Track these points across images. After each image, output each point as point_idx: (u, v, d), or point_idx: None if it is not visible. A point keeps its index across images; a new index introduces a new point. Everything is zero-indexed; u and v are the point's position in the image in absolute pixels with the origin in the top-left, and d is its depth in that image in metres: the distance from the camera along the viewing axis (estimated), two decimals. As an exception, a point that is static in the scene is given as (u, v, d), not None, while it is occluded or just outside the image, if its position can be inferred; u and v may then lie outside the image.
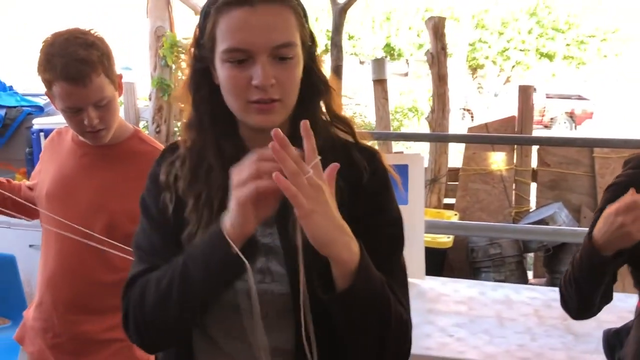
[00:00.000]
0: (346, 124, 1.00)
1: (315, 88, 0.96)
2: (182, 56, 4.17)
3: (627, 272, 4.32)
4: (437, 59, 4.63)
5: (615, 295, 3.01)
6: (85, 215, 1.49)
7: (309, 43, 0.94)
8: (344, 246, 0.80)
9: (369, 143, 1.02)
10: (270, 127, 0.88)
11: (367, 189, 0.95)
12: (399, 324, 0.88)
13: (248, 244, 0.83)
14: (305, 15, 0.93)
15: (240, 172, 0.81)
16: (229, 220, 0.82)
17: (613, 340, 1.39)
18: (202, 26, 0.91)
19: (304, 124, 0.80)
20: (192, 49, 0.95)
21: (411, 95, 12.93)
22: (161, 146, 1.62)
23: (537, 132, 13.51)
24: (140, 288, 0.92)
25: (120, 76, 1.51)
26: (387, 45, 17.90)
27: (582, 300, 1.24)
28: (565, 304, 1.30)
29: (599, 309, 1.28)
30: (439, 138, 4.32)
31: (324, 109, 1.00)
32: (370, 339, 0.86)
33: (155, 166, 1.02)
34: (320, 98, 0.98)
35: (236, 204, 0.80)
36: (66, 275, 1.53)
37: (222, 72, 0.89)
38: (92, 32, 1.45)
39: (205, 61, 0.92)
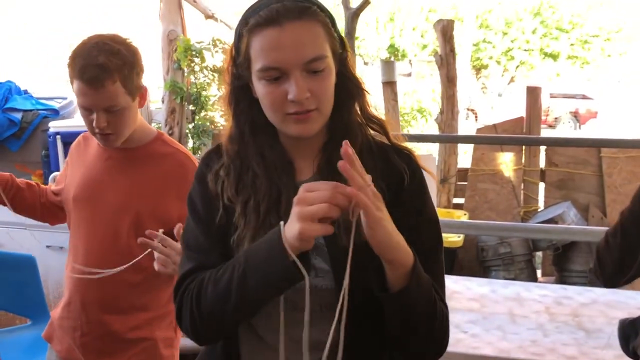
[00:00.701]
0: (380, 125, 1.04)
1: (349, 92, 1.00)
2: (196, 60, 4.22)
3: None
4: (446, 61, 4.67)
5: (625, 292, 3.06)
6: (112, 217, 1.53)
7: (340, 50, 0.97)
8: (404, 249, 0.86)
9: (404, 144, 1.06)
10: (309, 135, 0.95)
11: (408, 191, 0.99)
12: (442, 320, 0.95)
13: (303, 254, 0.86)
14: (333, 25, 0.97)
15: (312, 198, 0.82)
16: (291, 238, 0.83)
17: (628, 329, 1.43)
18: (237, 46, 0.96)
19: (345, 144, 0.82)
20: (230, 67, 0.99)
21: (415, 96, 12.94)
22: (184, 148, 1.67)
23: (542, 131, 13.44)
24: (196, 287, 0.97)
25: (145, 89, 1.55)
26: (391, 46, 17.91)
27: (623, 256, 1.24)
28: (600, 265, 1.31)
29: (633, 276, 1.28)
30: (450, 139, 4.36)
31: (358, 111, 1.03)
32: (417, 334, 0.92)
33: (201, 166, 1.07)
34: (354, 101, 1.01)
35: (302, 232, 0.81)
36: (95, 279, 1.55)
37: (259, 88, 0.95)
38: (126, 41, 1.49)
39: (244, 78, 0.97)
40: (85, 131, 1.68)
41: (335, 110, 0.98)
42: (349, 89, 1.00)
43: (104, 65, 1.40)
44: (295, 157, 1.02)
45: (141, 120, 1.62)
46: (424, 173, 1.05)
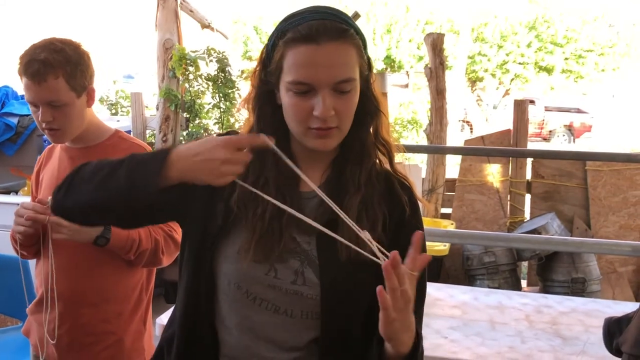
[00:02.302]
0: (387, 149, 1.07)
1: (368, 112, 1.03)
2: (190, 68, 4.30)
3: (616, 282, 4.48)
4: (436, 73, 4.77)
5: (603, 301, 3.13)
6: None
7: (366, 72, 1.00)
8: (404, 343, 0.89)
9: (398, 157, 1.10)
10: (327, 150, 0.99)
11: (409, 224, 1.03)
12: None
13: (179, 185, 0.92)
14: (365, 47, 0.99)
15: (233, 144, 0.90)
16: (190, 155, 0.90)
17: (613, 327, 1.47)
18: (269, 54, 0.99)
19: (417, 235, 0.87)
20: (259, 72, 1.02)
21: (411, 107, 13.04)
22: (142, 142, 1.75)
23: (536, 144, 13.64)
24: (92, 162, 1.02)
25: (93, 89, 1.62)
26: (388, 57, 18.03)
27: None
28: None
29: None
30: (437, 150, 4.45)
31: (372, 132, 1.05)
32: None
33: None
34: (371, 122, 1.04)
35: (210, 164, 0.89)
36: (64, 268, 1.61)
37: (285, 98, 0.97)
38: (74, 43, 1.57)
39: (271, 85, 1.00)
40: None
41: (352, 127, 1.00)
42: (368, 109, 1.02)
43: (45, 60, 1.48)
44: (304, 167, 1.03)
45: (97, 120, 1.70)
46: (417, 184, 1.10)
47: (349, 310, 0.98)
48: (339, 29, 0.94)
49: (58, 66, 1.50)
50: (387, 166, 1.08)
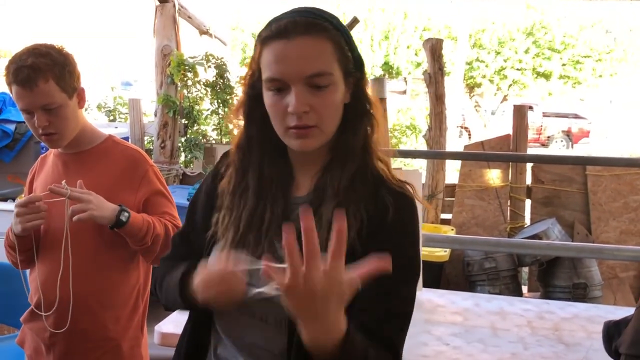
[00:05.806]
0: (380, 157, 1.01)
1: (357, 115, 0.99)
2: (189, 74, 4.29)
3: (617, 287, 4.47)
4: (435, 79, 4.77)
5: (606, 307, 3.11)
6: (71, 213, 1.55)
7: (354, 70, 0.98)
8: (307, 333, 0.80)
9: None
10: (307, 150, 0.95)
11: (387, 228, 0.96)
12: None
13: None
14: (349, 44, 0.97)
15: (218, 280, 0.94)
16: (201, 293, 0.97)
17: (612, 330, 1.48)
18: (253, 57, 0.99)
19: (338, 223, 0.75)
20: (248, 77, 1.01)
21: (409, 113, 13.05)
22: (134, 145, 1.76)
23: (535, 150, 13.69)
24: (162, 275, 1.13)
25: (83, 89, 1.63)
26: (386, 63, 18.08)
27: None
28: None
29: None
30: (436, 155, 4.43)
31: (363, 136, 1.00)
32: None
33: (217, 164, 1.12)
34: (360, 125, 1.00)
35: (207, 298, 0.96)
36: (62, 276, 1.59)
37: (266, 99, 0.96)
38: (56, 46, 1.57)
39: (257, 89, 0.98)
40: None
41: (341, 131, 0.98)
42: (358, 111, 0.99)
43: (33, 65, 1.49)
44: (298, 171, 1.02)
45: (90, 125, 1.71)
46: (418, 190, 1.03)
47: None
48: (309, 23, 0.93)
49: (46, 69, 1.50)
50: (385, 173, 1.02)
